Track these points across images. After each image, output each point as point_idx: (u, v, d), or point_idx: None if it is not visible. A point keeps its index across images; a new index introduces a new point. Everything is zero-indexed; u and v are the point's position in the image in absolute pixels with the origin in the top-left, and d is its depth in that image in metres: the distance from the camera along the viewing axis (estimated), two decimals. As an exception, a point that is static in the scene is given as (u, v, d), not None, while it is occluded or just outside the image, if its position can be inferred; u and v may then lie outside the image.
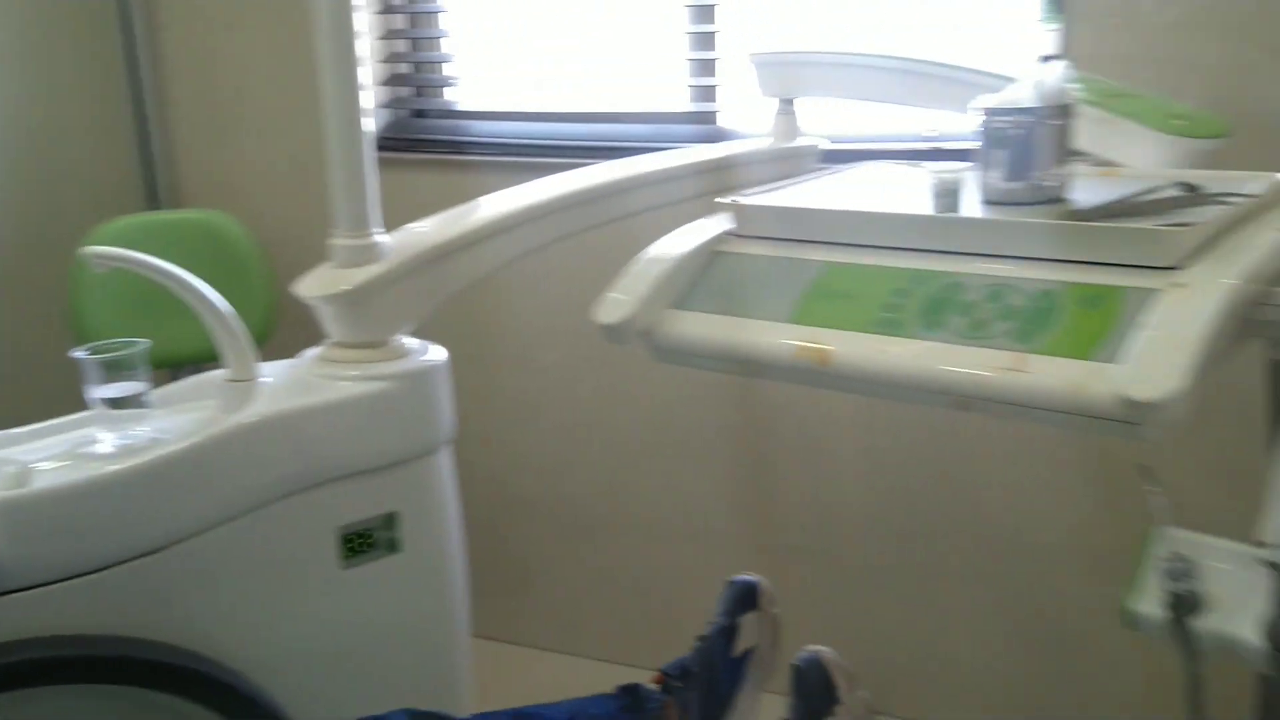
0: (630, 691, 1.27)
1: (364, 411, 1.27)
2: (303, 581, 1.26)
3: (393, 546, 1.32)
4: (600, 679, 1.31)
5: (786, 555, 2.04)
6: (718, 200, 1.12)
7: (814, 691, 1.25)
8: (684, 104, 2.10)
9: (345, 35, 1.21)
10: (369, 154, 1.27)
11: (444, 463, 1.37)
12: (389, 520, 1.31)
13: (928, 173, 1.07)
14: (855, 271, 0.99)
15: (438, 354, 1.36)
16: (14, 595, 1.04)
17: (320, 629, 1.28)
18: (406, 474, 1.32)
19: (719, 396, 2.04)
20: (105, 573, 1.08)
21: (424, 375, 1.33)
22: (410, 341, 1.36)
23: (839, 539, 2.02)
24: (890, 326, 0.93)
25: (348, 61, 1.22)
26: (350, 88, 1.23)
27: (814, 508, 2.03)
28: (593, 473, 2.20)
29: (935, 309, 0.92)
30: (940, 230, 1.00)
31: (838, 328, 0.95)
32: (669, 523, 2.16)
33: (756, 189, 1.18)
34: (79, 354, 1.16)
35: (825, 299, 0.98)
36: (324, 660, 1.28)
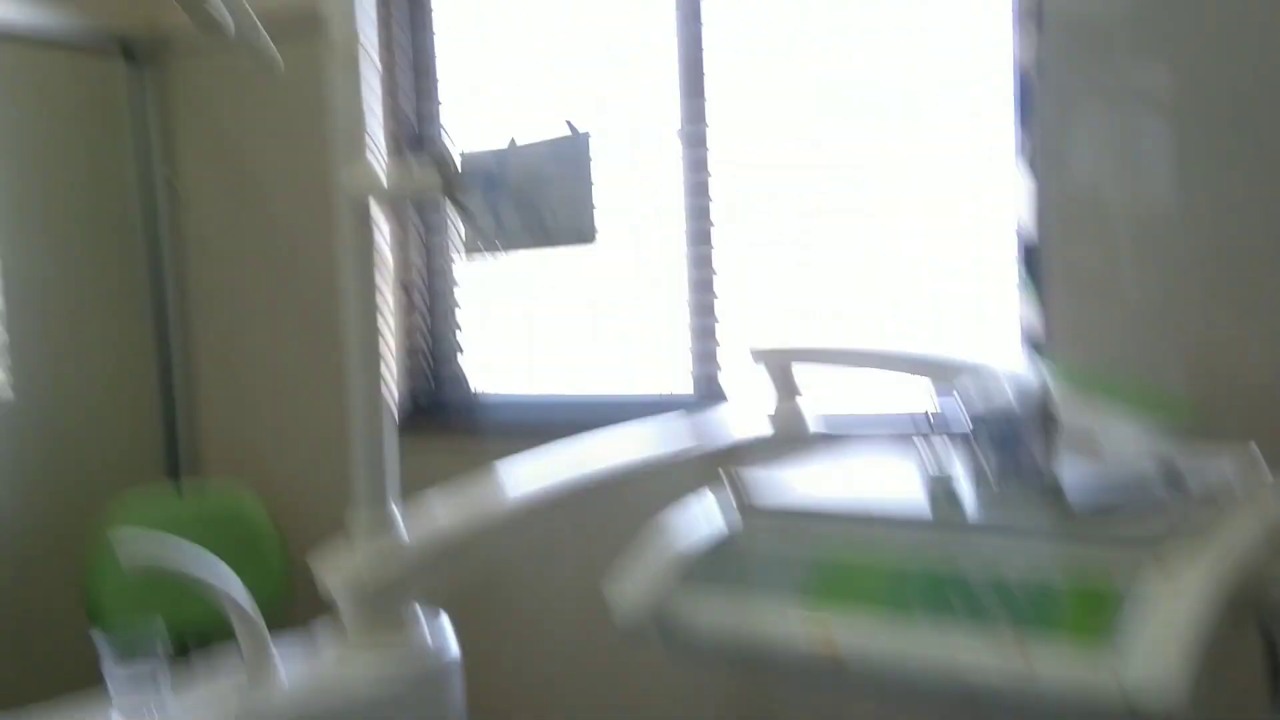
0: None
1: (381, 711, 1.29)
2: None
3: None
4: None
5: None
6: (729, 500, 1.18)
7: None
8: (688, 387, 2.19)
9: (370, 324, 1.31)
10: (390, 441, 1.34)
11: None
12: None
13: (922, 463, 1.13)
14: (861, 565, 1.03)
15: (449, 646, 1.38)
16: None
17: None
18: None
19: (727, 679, 2.02)
20: None
21: (438, 670, 1.35)
22: (423, 625, 1.38)
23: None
24: (896, 616, 0.96)
25: (372, 349, 1.32)
26: (374, 374, 1.32)
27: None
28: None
29: (939, 602, 0.95)
30: (942, 534, 1.04)
31: (844, 616, 0.98)
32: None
33: (762, 473, 1.23)
34: (97, 635, 1.18)
35: (831, 590, 1.01)
36: None
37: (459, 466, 2.13)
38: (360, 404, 1.33)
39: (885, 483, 1.24)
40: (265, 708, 1.23)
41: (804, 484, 1.21)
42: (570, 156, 1.20)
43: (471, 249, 1.29)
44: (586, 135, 1.21)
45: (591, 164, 1.19)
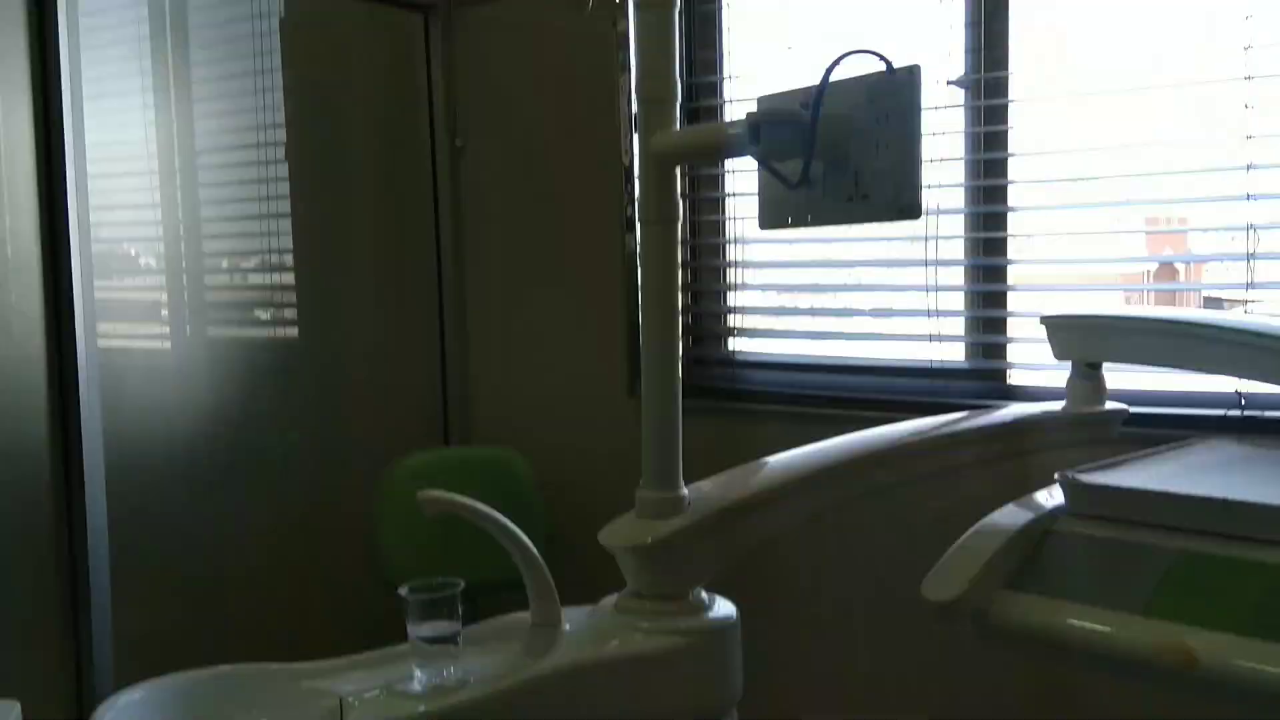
0: None
1: (659, 665, 1.27)
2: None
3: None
4: None
5: None
6: (1055, 476, 1.08)
7: None
8: (966, 359, 2.08)
9: (669, 297, 1.28)
10: (678, 412, 1.32)
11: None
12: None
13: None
14: (1219, 564, 0.92)
15: (728, 610, 1.35)
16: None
17: None
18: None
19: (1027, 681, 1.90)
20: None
21: (718, 633, 1.32)
22: (703, 596, 1.36)
23: None
24: (1266, 630, 0.85)
25: (670, 322, 1.29)
26: (670, 352, 1.30)
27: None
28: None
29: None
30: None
31: (1202, 627, 0.88)
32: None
33: (1088, 466, 1.14)
34: (403, 592, 1.21)
35: (1184, 593, 0.91)
36: None
37: (723, 431, 2.12)
38: (654, 370, 1.31)
39: (1237, 481, 1.12)
40: (551, 646, 1.25)
41: (1148, 484, 1.10)
42: (893, 107, 1.06)
43: (772, 222, 1.23)
44: (913, 75, 1.06)
45: (920, 116, 1.08)
